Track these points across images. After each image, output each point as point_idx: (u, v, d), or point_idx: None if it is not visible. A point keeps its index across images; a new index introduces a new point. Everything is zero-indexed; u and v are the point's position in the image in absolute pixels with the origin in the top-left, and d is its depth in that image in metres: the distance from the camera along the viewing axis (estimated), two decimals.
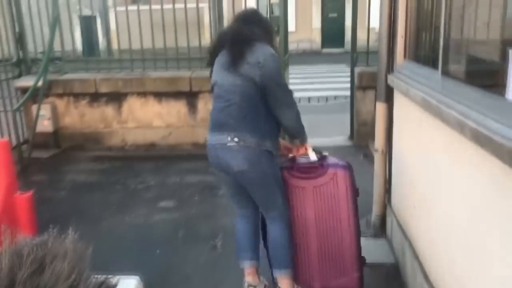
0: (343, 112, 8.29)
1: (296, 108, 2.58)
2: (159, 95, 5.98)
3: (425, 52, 2.74)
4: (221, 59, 2.52)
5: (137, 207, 4.29)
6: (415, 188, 2.74)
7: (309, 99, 10.74)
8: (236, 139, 2.39)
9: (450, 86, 2.10)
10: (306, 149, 2.72)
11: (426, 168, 2.50)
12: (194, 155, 5.81)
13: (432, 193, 2.38)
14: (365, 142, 5.78)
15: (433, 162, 2.35)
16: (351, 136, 6.11)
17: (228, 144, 2.41)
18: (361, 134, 5.84)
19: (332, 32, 22.68)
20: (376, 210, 3.58)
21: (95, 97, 6.04)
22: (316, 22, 22.86)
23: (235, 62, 2.41)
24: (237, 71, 2.40)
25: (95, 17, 24.06)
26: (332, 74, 14.78)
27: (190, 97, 5.96)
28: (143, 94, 5.99)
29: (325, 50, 22.66)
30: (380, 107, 3.27)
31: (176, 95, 5.96)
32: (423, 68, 2.58)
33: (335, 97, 10.74)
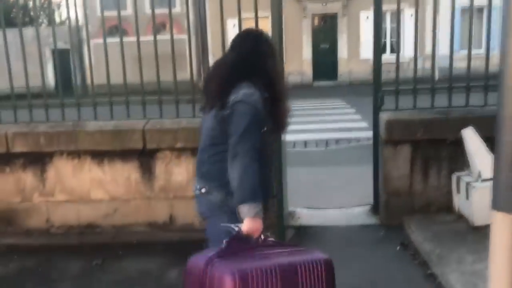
0: (352, 164, 6.56)
1: (246, 160, 1.92)
2: (100, 155, 4.15)
3: None
4: None
5: None
6: None
7: (305, 143, 8.97)
8: (203, 190, 2.14)
9: None
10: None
11: None
12: (150, 243, 3.96)
13: None
14: (398, 221, 3.96)
15: None
16: (375, 210, 4.29)
17: (196, 193, 2.20)
18: (392, 208, 4.03)
19: (324, 64, 21.21)
20: None
21: (7, 159, 4.18)
22: (307, 53, 21.39)
23: (209, 103, 2.16)
24: (210, 113, 2.13)
25: (68, 51, 22.53)
26: (328, 112, 13.09)
27: (144, 157, 4.14)
28: (76, 153, 4.15)
29: (317, 83, 21.12)
30: (503, 224, 1.48)
31: (124, 154, 4.14)
32: None
33: (337, 141, 8.99)
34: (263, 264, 1.62)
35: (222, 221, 1.98)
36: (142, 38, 4.25)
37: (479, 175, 3.58)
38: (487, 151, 3.59)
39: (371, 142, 8.44)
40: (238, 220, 1.90)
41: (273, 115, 2.09)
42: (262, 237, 1.86)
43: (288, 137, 9.31)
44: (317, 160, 7.37)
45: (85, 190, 4.21)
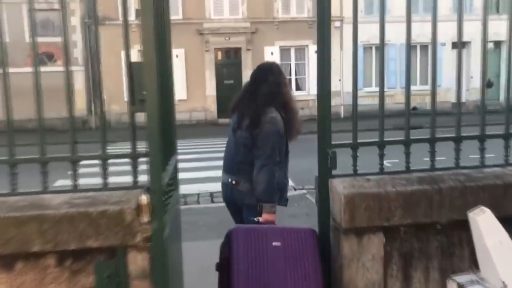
0: None
1: (272, 172, 2.82)
2: None
3: None
4: None
5: None
6: None
7: (211, 196, 7.28)
8: (233, 182, 3.02)
9: None
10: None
11: None
12: None
13: None
14: None
15: None
16: None
17: (227, 184, 3.09)
18: None
19: (229, 101, 19.79)
20: None
21: None
22: (211, 89, 20.02)
23: (244, 122, 2.98)
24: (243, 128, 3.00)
25: None
26: None
27: None
28: None
29: (222, 121, 19.73)
30: None
31: None
32: None
33: None
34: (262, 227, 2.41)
35: (243, 204, 2.87)
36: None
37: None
38: None
39: (293, 193, 7.03)
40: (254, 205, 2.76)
41: (288, 130, 2.87)
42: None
43: (189, 187, 7.61)
44: (217, 226, 5.67)
45: None
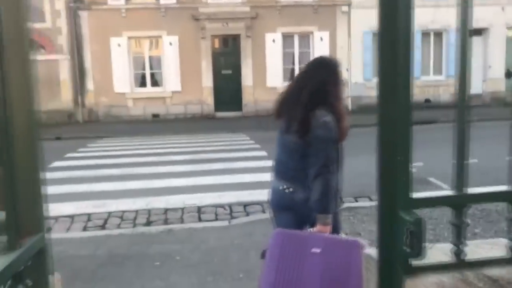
0: None
1: (326, 181, 2.58)
2: None
3: None
4: None
5: None
6: None
7: (199, 211, 5.88)
8: (291, 189, 2.73)
9: None
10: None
11: None
12: None
13: None
14: None
15: None
16: None
17: (281, 191, 2.75)
18: None
19: (227, 93, 18.48)
20: None
21: None
22: (207, 80, 18.52)
23: (293, 125, 2.73)
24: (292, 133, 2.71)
25: None
26: (234, 154, 10.08)
27: None
28: None
29: (220, 114, 18.31)
30: None
31: None
32: None
33: (245, 206, 6.01)
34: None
35: (299, 215, 2.64)
36: None
37: None
38: None
39: None
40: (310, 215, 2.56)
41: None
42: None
43: (173, 199, 6.24)
44: (217, 261, 4.23)
45: None
